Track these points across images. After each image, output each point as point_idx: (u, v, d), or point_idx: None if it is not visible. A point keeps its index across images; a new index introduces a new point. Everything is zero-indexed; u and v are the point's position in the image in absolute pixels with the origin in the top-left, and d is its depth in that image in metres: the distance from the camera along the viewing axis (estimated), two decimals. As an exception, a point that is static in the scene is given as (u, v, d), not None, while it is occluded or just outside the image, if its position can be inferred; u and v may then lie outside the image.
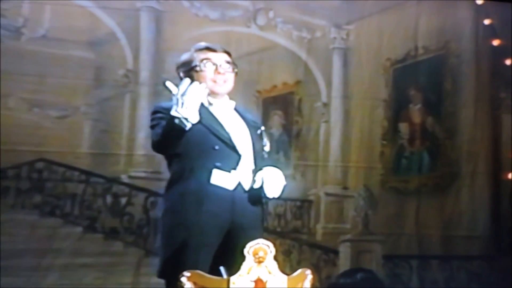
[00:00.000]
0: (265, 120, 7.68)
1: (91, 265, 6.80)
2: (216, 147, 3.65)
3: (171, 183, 3.69)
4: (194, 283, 3.08)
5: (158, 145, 3.55)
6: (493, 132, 8.32)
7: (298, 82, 7.87)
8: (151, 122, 3.70)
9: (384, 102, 8.06)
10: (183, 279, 3.08)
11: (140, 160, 7.07)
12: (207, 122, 3.66)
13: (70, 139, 7.02)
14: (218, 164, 3.63)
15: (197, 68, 3.72)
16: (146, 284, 6.70)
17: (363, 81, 7.96)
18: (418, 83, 8.20)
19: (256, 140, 3.77)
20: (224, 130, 3.71)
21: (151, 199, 7.02)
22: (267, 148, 3.82)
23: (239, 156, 3.68)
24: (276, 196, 3.73)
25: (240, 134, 3.74)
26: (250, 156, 3.71)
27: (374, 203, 7.86)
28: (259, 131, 3.81)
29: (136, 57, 7.26)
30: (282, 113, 7.75)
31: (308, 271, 3.28)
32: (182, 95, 3.43)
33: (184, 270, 3.12)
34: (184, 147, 3.60)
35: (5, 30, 6.72)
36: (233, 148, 3.68)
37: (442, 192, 8.14)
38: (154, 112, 3.71)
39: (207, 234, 3.59)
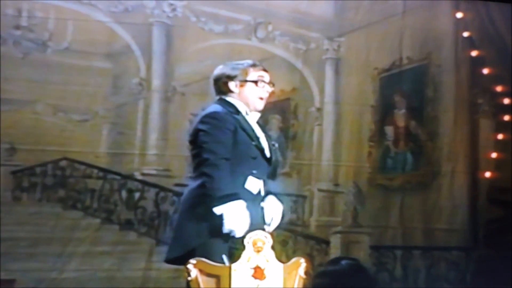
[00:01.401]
0: (264, 123, 7.86)
1: (108, 253, 7.10)
2: (254, 156, 3.71)
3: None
4: (200, 270, 3.18)
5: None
6: (471, 134, 8.50)
7: (294, 89, 8.04)
8: (206, 126, 3.61)
9: (372, 107, 8.23)
10: (190, 266, 3.17)
11: (152, 159, 7.36)
12: (249, 132, 3.72)
13: (90, 140, 7.30)
14: (254, 171, 3.69)
15: (258, 84, 3.77)
16: (157, 270, 6.98)
17: (352, 88, 8.15)
18: (403, 90, 8.37)
19: (273, 151, 3.82)
20: (260, 141, 3.76)
21: (162, 194, 7.30)
22: (280, 158, 3.97)
23: (270, 165, 3.76)
24: (275, 227, 3.76)
25: (266, 145, 3.79)
26: (273, 166, 3.80)
27: (362, 199, 8.04)
28: (275, 145, 3.86)
29: (148, 67, 7.52)
30: (279, 117, 7.90)
31: (302, 260, 3.37)
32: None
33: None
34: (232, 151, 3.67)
35: (33, 43, 7.03)
36: (266, 159, 3.75)
37: (424, 189, 8.31)
38: (212, 117, 3.64)
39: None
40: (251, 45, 7.82)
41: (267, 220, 3.71)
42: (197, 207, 3.56)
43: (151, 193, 7.35)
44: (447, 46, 8.46)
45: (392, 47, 8.27)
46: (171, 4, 7.48)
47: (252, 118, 3.77)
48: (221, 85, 3.78)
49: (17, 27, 7.01)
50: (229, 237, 3.47)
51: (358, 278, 3.44)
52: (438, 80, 8.43)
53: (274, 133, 7.71)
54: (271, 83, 3.82)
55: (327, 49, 8.16)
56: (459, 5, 8.52)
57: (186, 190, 3.74)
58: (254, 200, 3.67)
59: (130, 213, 7.34)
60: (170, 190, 7.26)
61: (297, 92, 8.05)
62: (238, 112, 3.72)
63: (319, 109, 8.09)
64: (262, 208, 3.73)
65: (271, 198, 3.75)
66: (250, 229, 3.46)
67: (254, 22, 7.84)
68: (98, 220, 7.26)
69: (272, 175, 3.79)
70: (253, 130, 3.72)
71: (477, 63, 8.52)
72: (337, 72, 8.19)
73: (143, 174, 7.38)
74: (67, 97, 7.21)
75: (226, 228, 3.42)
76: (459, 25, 8.48)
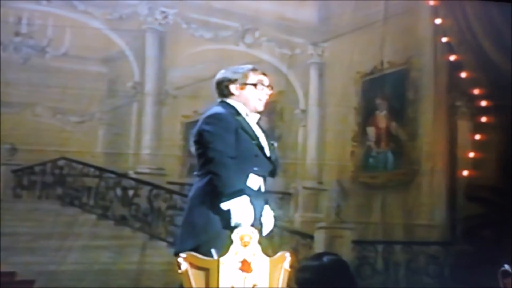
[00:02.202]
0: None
1: (104, 247, 7.20)
2: (255, 154, 3.79)
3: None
4: (190, 263, 3.21)
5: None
6: (449, 135, 8.56)
7: (280, 92, 7.98)
8: (211, 127, 3.71)
9: (355, 109, 8.32)
10: (180, 260, 3.23)
11: (145, 159, 7.48)
12: (250, 132, 3.82)
13: (87, 140, 7.39)
14: (256, 169, 3.78)
15: (258, 87, 3.90)
16: (150, 263, 7.15)
17: (336, 91, 8.23)
18: (384, 93, 8.43)
19: (273, 151, 3.91)
20: (260, 141, 3.85)
21: (155, 191, 7.42)
22: (279, 159, 4.01)
23: (270, 163, 3.86)
24: (268, 232, 3.85)
25: (266, 145, 3.89)
26: (271, 165, 3.88)
27: (345, 196, 8.14)
28: (274, 144, 3.94)
29: (142, 72, 7.63)
30: (266, 118, 7.37)
31: (287, 254, 3.41)
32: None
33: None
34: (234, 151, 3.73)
35: (33, 49, 7.15)
36: (267, 157, 3.84)
37: (404, 186, 8.38)
38: (215, 117, 3.76)
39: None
40: (239, 50, 7.90)
41: (264, 231, 3.80)
42: (206, 203, 3.63)
43: (144, 190, 7.45)
44: (427, 51, 8.54)
45: (374, 52, 8.35)
46: (163, 12, 7.59)
47: (252, 119, 3.87)
48: (223, 88, 3.88)
49: (18, 34, 7.11)
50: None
51: (339, 273, 3.42)
52: (418, 83, 8.51)
53: (260, 134, 7.81)
54: (270, 86, 3.95)
55: (312, 54, 8.27)
56: (438, 12, 8.57)
57: (193, 188, 3.81)
58: (255, 196, 3.74)
59: (125, 209, 7.43)
60: (162, 188, 7.38)
61: (283, 95, 8.08)
62: (238, 113, 3.82)
63: (304, 111, 8.19)
64: (262, 204, 3.82)
65: (266, 209, 3.86)
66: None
67: (242, 29, 7.94)
68: (94, 216, 7.35)
69: (272, 173, 3.90)
70: (253, 130, 3.81)
71: (455, 67, 8.59)
72: (321, 76, 8.28)
73: (137, 173, 7.48)
74: (65, 100, 7.30)
75: (234, 221, 3.50)
76: (438, 31, 8.55)
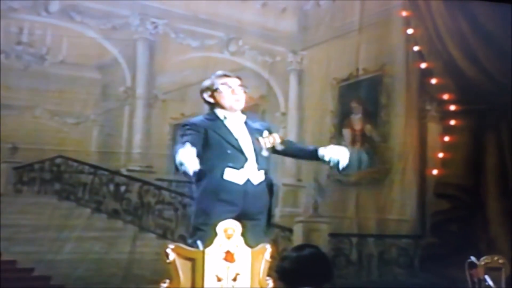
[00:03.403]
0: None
1: (98, 238, 7.27)
2: (229, 151, 3.93)
3: (198, 181, 3.95)
4: (177, 254, 3.20)
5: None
6: (420, 137, 8.62)
7: (262, 97, 8.20)
8: (181, 131, 3.96)
9: (331, 112, 8.40)
10: (168, 251, 3.21)
11: (136, 157, 7.57)
12: (221, 132, 3.96)
13: (82, 140, 7.50)
14: (230, 164, 3.90)
15: (219, 90, 4.01)
16: (140, 253, 7.21)
17: (314, 96, 8.33)
18: (359, 97, 8.51)
19: (258, 146, 3.99)
20: (234, 138, 3.97)
21: (145, 187, 7.51)
22: (264, 152, 4.01)
23: (246, 158, 3.95)
24: (345, 163, 4.07)
25: (247, 141, 3.99)
26: (254, 158, 3.98)
27: (322, 192, 8.19)
28: (261, 138, 3.99)
29: (133, 77, 7.71)
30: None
31: (268, 245, 3.41)
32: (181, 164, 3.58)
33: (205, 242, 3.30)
34: (205, 152, 3.88)
35: (33, 57, 7.23)
36: (241, 152, 3.95)
37: (377, 184, 8.47)
38: (184, 125, 3.99)
39: (220, 216, 3.65)
40: (224, 58, 7.98)
41: (329, 158, 4.04)
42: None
43: (135, 186, 7.54)
44: (399, 59, 8.60)
45: (350, 59, 8.40)
46: (153, 22, 7.67)
47: (234, 120, 4.01)
48: (203, 98, 4.09)
49: (19, 42, 7.20)
50: (185, 172, 3.63)
51: (317, 264, 3.36)
52: (391, 89, 8.57)
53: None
54: (242, 85, 4.07)
55: (291, 62, 8.36)
56: (409, 22, 8.62)
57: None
58: (247, 190, 3.90)
59: (117, 204, 7.52)
60: (152, 184, 7.51)
61: (264, 99, 8.22)
62: (216, 118, 3.99)
63: (284, 114, 8.28)
64: (262, 195, 3.96)
65: (332, 148, 4.08)
66: (247, 215, 3.77)
67: (227, 38, 8.02)
68: (89, 210, 7.43)
69: (259, 165, 3.97)
70: (229, 131, 3.96)
71: (426, 74, 8.64)
72: (300, 81, 8.37)
73: (128, 170, 7.57)
74: (62, 103, 7.39)
75: (177, 160, 3.61)
76: (410, 40, 8.59)
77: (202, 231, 3.80)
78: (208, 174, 3.91)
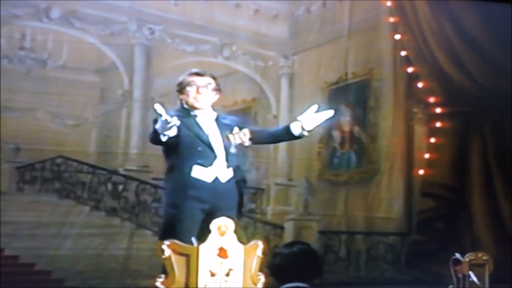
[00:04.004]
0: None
1: (97, 234, 7.33)
2: (200, 148, 3.89)
3: (168, 174, 3.96)
4: (172, 250, 3.17)
5: (150, 141, 3.88)
6: (407, 138, 8.74)
7: (254, 99, 8.34)
8: (153, 124, 3.82)
9: None
10: (164, 247, 3.18)
11: (133, 157, 7.61)
12: (193, 129, 3.91)
13: (81, 141, 7.56)
14: (199, 161, 3.87)
15: (184, 87, 3.96)
16: (137, 249, 7.25)
17: (304, 98, 8.28)
18: (348, 100, 8.60)
19: (227, 143, 3.93)
20: (206, 135, 3.92)
21: (141, 186, 7.55)
22: (232, 149, 3.96)
23: (215, 155, 3.90)
24: (310, 128, 3.94)
25: (217, 139, 3.95)
26: (223, 156, 3.93)
27: (312, 191, 8.29)
28: (231, 134, 3.91)
29: (130, 81, 7.78)
30: (241, 122, 8.16)
31: (260, 242, 3.37)
32: (162, 122, 3.60)
33: (176, 236, 3.30)
34: (176, 148, 3.85)
35: (34, 61, 7.27)
36: (211, 149, 3.90)
37: (366, 183, 8.55)
38: (155, 121, 3.80)
39: (191, 212, 3.83)
40: (218, 62, 8.05)
41: (299, 133, 3.94)
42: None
43: (132, 185, 7.60)
44: (387, 63, 8.71)
45: (339, 64, 8.50)
46: (150, 28, 7.74)
47: (205, 118, 3.97)
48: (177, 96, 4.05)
49: (21, 48, 7.23)
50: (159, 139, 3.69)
51: (308, 260, 3.35)
52: (379, 92, 8.68)
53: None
54: (212, 84, 4.00)
55: (283, 66, 8.46)
56: (397, 28, 8.74)
57: None
58: (215, 188, 3.87)
59: (115, 202, 7.56)
60: (148, 183, 7.54)
61: (256, 102, 8.34)
62: (188, 115, 3.93)
63: (276, 116, 8.37)
64: (231, 192, 3.93)
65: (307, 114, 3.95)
66: (217, 211, 3.70)
67: (220, 43, 8.10)
68: (87, 208, 7.48)
69: (228, 163, 3.94)
70: (200, 128, 3.92)
71: (413, 78, 8.74)
72: (291, 85, 8.46)
73: (125, 170, 7.63)
74: (63, 106, 7.47)
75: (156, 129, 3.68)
76: (397, 45, 8.71)
77: (172, 224, 3.79)
78: (177, 170, 3.88)
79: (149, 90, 7.74)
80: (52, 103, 7.45)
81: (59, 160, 7.48)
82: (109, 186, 7.62)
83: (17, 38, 7.29)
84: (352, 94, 8.67)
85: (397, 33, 8.78)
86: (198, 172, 3.89)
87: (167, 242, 3.16)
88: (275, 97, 8.45)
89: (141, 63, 7.84)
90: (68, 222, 7.32)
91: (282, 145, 8.19)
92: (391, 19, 8.81)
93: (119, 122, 7.77)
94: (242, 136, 3.93)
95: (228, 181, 3.95)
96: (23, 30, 7.32)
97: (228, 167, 3.94)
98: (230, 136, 3.92)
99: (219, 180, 3.92)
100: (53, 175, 7.45)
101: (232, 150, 3.95)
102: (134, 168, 7.62)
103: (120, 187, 7.64)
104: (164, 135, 3.67)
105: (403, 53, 8.79)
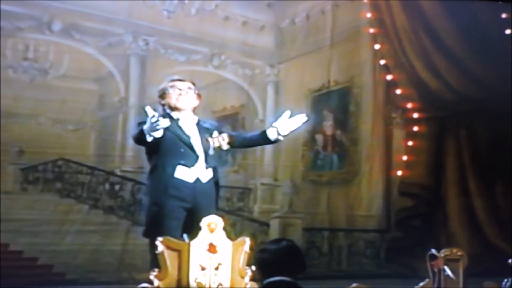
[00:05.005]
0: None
1: (95, 231, 7.43)
2: (182, 150, 3.93)
3: (151, 173, 4.00)
4: (166, 245, 3.21)
5: (134, 140, 3.98)
6: (386, 141, 8.93)
7: (242, 105, 8.50)
8: (137, 126, 3.93)
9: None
10: (157, 243, 3.22)
11: (129, 159, 7.68)
12: (176, 131, 3.93)
13: (81, 144, 7.69)
14: (182, 161, 3.91)
15: (166, 91, 4.02)
16: (133, 245, 7.22)
17: (289, 104, 8.21)
18: (330, 106, 8.78)
19: (207, 145, 3.98)
20: (188, 137, 3.96)
21: (137, 186, 7.63)
22: (211, 151, 3.99)
23: (197, 156, 3.95)
24: (285, 134, 4.01)
25: (198, 141, 3.99)
26: (203, 157, 3.98)
27: (296, 191, 8.46)
28: (210, 137, 3.96)
29: (126, 88, 7.92)
30: (230, 127, 8.06)
31: (247, 238, 3.38)
32: (152, 123, 3.67)
33: (160, 234, 3.30)
34: (159, 149, 3.89)
35: (37, 71, 7.42)
36: (193, 150, 3.95)
37: (347, 183, 8.72)
38: (139, 123, 3.92)
39: (173, 210, 3.87)
40: (208, 71, 8.21)
41: (274, 138, 4.01)
42: None
43: (128, 185, 7.72)
44: (367, 72, 8.89)
45: (322, 72, 8.67)
46: (145, 40, 7.90)
47: (187, 121, 4.00)
48: (159, 102, 4.10)
49: (25, 58, 7.39)
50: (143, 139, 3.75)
51: (293, 255, 3.32)
52: (359, 98, 8.85)
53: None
54: (190, 88, 4.02)
55: (269, 74, 8.65)
56: (377, 39, 8.91)
57: None
58: (196, 188, 3.91)
59: (112, 201, 7.70)
60: (143, 184, 6.94)
61: (244, 108, 8.51)
62: (171, 118, 3.93)
63: (262, 121, 8.53)
64: (210, 192, 3.96)
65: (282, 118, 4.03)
66: (197, 209, 3.77)
67: (211, 53, 8.28)
68: (87, 206, 7.62)
69: (207, 164, 3.97)
70: (183, 131, 3.96)
71: (391, 85, 8.94)
72: (277, 92, 8.65)
73: (122, 171, 7.75)
74: (63, 112, 7.57)
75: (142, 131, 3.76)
76: (377, 54, 8.90)
77: (156, 222, 3.86)
78: (160, 170, 3.92)
79: (143, 97, 7.79)
80: (54, 109, 7.55)
81: (60, 162, 7.63)
82: (107, 186, 7.75)
83: (21, 49, 7.42)
84: (334, 100, 8.82)
85: (377, 43, 8.97)
86: (181, 173, 3.92)
87: (160, 238, 3.21)
88: (261, 103, 8.61)
89: (136, 72, 7.97)
90: (69, 219, 7.43)
91: (268, 148, 8.31)
92: (371, 30, 8.99)
93: (116, 126, 7.88)
94: (220, 140, 3.99)
95: (208, 181, 4.00)
96: (27, 42, 7.46)
97: (207, 167, 3.98)
98: (210, 139, 3.97)
99: (200, 180, 3.97)
100: (54, 176, 7.58)
101: (211, 152, 3.97)
102: (130, 169, 7.70)
103: (117, 187, 7.77)
104: (151, 135, 3.72)
105: (382, 61, 8.97)
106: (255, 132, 4.35)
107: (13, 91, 7.24)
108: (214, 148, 3.98)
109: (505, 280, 4.35)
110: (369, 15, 8.98)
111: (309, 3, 8.78)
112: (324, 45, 8.74)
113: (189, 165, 3.93)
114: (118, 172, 7.81)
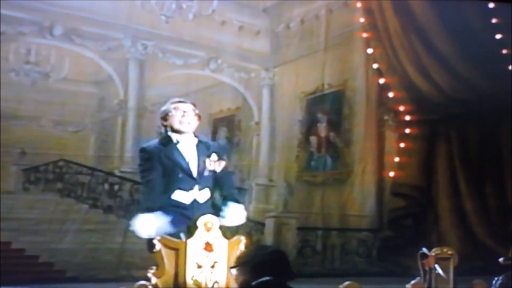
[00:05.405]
0: (215, 133, 8.15)
1: (95, 230, 7.53)
2: (180, 176, 3.86)
3: (147, 197, 3.91)
4: (163, 244, 3.30)
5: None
6: (378, 143, 9.01)
7: (238, 108, 8.57)
8: (139, 160, 3.82)
9: (299, 121, 8.72)
10: (155, 241, 3.32)
11: (128, 160, 7.77)
12: (174, 157, 3.85)
13: (81, 146, 7.78)
14: (181, 186, 3.84)
15: (170, 114, 3.89)
16: (131, 243, 6.90)
17: (284, 107, 8.66)
18: (324, 109, 8.84)
19: (202, 168, 3.87)
20: (186, 162, 3.86)
21: (135, 186, 7.59)
22: (206, 173, 3.87)
23: (195, 180, 3.86)
24: (235, 224, 3.82)
25: (195, 164, 3.89)
26: (199, 180, 3.87)
27: (291, 191, 8.53)
28: (208, 160, 3.84)
29: (126, 91, 7.98)
30: (226, 128, 8.37)
31: (243, 237, 3.46)
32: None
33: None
34: (159, 175, 3.81)
35: (39, 74, 7.50)
36: (190, 175, 3.88)
37: (340, 184, 8.79)
38: (141, 151, 3.85)
39: (176, 224, 3.72)
40: (205, 74, 8.27)
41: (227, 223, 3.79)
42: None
43: (127, 186, 7.79)
44: (360, 75, 8.96)
45: (316, 75, 8.77)
46: (143, 44, 7.98)
47: (186, 144, 3.90)
48: (161, 123, 4.03)
49: (27, 62, 7.51)
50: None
51: (282, 261, 3.02)
52: (353, 101, 8.92)
53: (222, 141, 8.03)
54: (192, 110, 3.92)
55: (264, 77, 8.71)
56: (369, 43, 8.99)
57: None
58: (192, 208, 3.82)
59: (111, 200, 7.79)
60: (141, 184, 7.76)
61: (240, 110, 8.59)
62: (169, 142, 3.88)
63: (258, 123, 8.62)
64: (205, 211, 3.78)
65: (230, 206, 3.86)
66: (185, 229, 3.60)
67: (207, 57, 8.35)
68: (86, 206, 7.72)
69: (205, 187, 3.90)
70: (181, 155, 3.87)
71: (384, 88, 9.03)
72: (272, 95, 8.71)
73: (121, 172, 7.83)
74: (64, 114, 7.68)
75: (133, 228, 3.69)
76: (369, 58, 8.99)
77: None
78: (159, 193, 3.85)
79: (142, 99, 7.96)
80: (55, 111, 7.67)
81: (61, 163, 7.74)
82: (106, 186, 7.85)
83: (23, 53, 7.54)
84: (328, 103, 8.91)
85: (370, 47, 9.09)
86: (179, 196, 3.86)
87: (158, 237, 3.26)
88: (257, 106, 8.67)
89: (135, 75, 8.06)
90: (69, 218, 7.54)
91: (264, 150, 8.49)
92: (364, 35, 9.10)
93: (115, 128, 7.98)
94: (216, 166, 3.87)
95: (205, 201, 3.93)
96: (29, 46, 7.57)
97: (203, 188, 3.91)
98: (207, 161, 3.86)
99: (197, 201, 3.90)
100: (55, 176, 7.70)
101: (206, 173, 3.89)
102: (129, 170, 7.75)
103: (116, 187, 7.87)
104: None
105: (375, 65, 9.08)
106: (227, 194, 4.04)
107: (16, 94, 7.39)
108: (209, 171, 3.89)
109: (495, 278, 4.34)
110: (362, 20, 9.10)
111: (303, 9, 8.83)
112: (318, 49, 8.80)
113: (187, 189, 3.88)
114: (117, 172, 7.90)
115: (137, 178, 6.95)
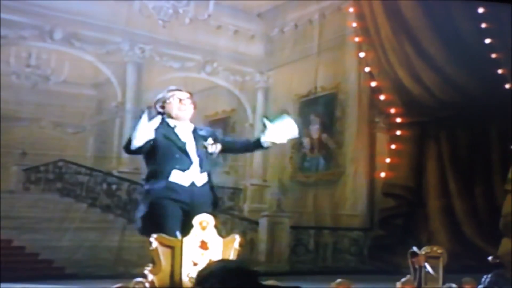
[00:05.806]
0: (213, 139, 8.25)
1: (93, 228, 7.56)
2: (177, 155, 3.95)
3: (148, 178, 3.99)
4: (159, 242, 3.30)
5: (124, 149, 4.03)
6: (370, 145, 9.12)
7: (233, 110, 8.66)
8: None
9: None
10: (152, 239, 3.31)
11: (125, 161, 7.77)
12: (171, 138, 3.96)
13: (80, 147, 7.83)
14: (177, 166, 3.92)
15: (168, 101, 4.02)
16: (128, 241, 7.37)
17: (278, 110, 8.32)
18: (317, 111, 8.94)
19: (202, 151, 3.99)
20: (182, 143, 3.97)
21: (132, 186, 7.76)
22: (205, 156, 3.99)
23: (191, 161, 3.96)
24: (278, 141, 4.01)
25: (193, 147, 4.00)
26: (198, 162, 3.98)
27: (285, 191, 8.64)
28: (205, 143, 3.97)
29: (123, 94, 8.04)
30: (221, 130, 8.23)
31: (237, 236, 3.47)
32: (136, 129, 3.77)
33: (158, 232, 3.40)
34: (156, 154, 3.91)
35: (39, 77, 7.55)
36: (187, 156, 3.96)
37: (333, 184, 8.90)
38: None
39: (171, 211, 3.86)
40: (201, 77, 8.35)
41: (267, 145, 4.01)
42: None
43: (125, 185, 7.87)
44: (352, 78, 9.07)
45: (309, 79, 8.90)
46: (141, 48, 8.06)
47: (183, 129, 4.01)
48: (155, 109, 4.06)
49: (28, 65, 7.53)
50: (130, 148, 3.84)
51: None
52: (345, 104, 9.02)
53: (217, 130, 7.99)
54: (188, 99, 4.04)
55: (259, 81, 8.82)
56: (362, 47, 9.08)
57: None
58: (192, 191, 3.91)
59: (109, 200, 7.84)
60: (139, 184, 6.97)
61: (235, 112, 8.68)
62: (167, 126, 3.98)
63: (252, 125, 8.68)
64: (206, 195, 3.96)
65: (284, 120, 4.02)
66: (195, 210, 3.71)
67: (203, 60, 8.44)
68: (85, 205, 7.76)
69: (202, 168, 3.98)
70: (178, 137, 3.97)
71: (375, 91, 9.13)
72: (266, 98, 8.82)
73: (119, 172, 7.89)
74: (64, 116, 7.73)
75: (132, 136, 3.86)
76: (362, 62, 9.09)
77: (154, 220, 3.88)
78: (157, 174, 3.94)
79: (140, 102, 7.93)
80: (55, 113, 7.73)
81: (60, 163, 7.80)
82: (104, 186, 7.90)
83: (24, 56, 7.58)
84: (320, 106, 9.02)
85: (362, 51, 9.20)
86: (176, 177, 3.92)
87: (154, 236, 3.28)
88: (251, 108, 8.77)
89: (133, 78, 8.13)
90: (68, 217, 7.58)
91: (258, 152, 7.85)
92: (356, 39, 9.21)
93: (113, 130, 8.02)
94: (214, 148, 4.00)
95: (203, 185, 4.00)
96: (29, 49, 7.62)
97: (201, 172, 3.99)
98: (205, 144, 4.00)
99: (195, 184, 3.97)
100: (55, 176, 7.74)
101: (205, 157, 4.00)
102: (126, 170, 7.84)
103: (114, 187, 7.93)
104: (140, 138, 3.80)
105: (367, 69, 9.19)
106: (245, 139, 4.43)
107: (17, 96, 7.41)
108: (209, 153, 4.01)
109: (485, 276, 4.55)
110: (354, 24, 9.19)
111: (297, 13, 8.92)
112: (311, 53, 8.90)
113: (184, 169, 3.95)
114: (115, 173, 7.95)
115: (135, 178, 7.53)
